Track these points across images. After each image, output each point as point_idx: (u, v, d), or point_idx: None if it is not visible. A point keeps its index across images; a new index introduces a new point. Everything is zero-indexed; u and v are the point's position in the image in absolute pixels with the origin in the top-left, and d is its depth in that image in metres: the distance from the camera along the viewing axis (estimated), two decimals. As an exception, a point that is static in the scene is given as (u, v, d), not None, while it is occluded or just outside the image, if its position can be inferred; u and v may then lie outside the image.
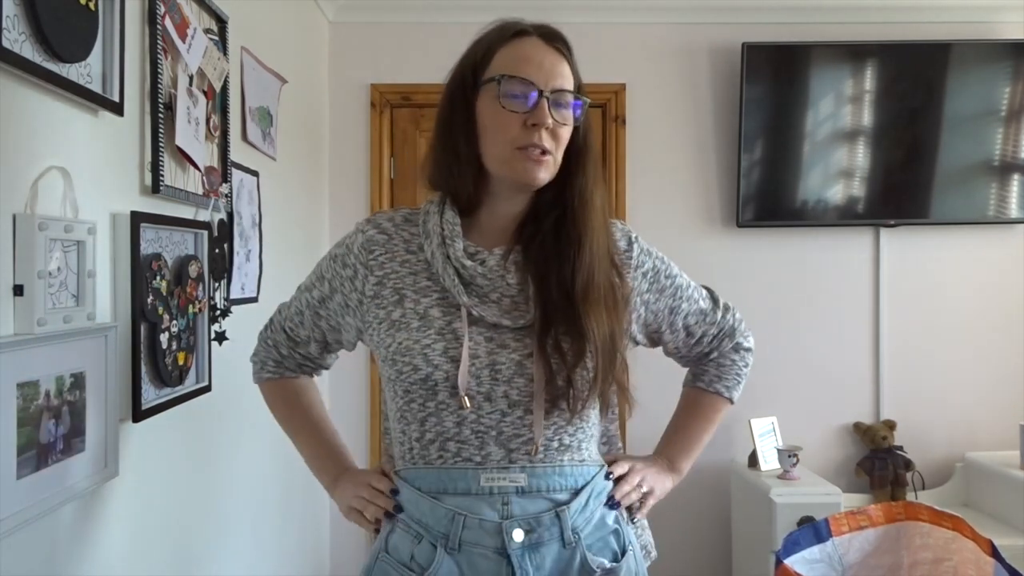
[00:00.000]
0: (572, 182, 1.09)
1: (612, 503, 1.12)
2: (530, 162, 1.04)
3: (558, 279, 1.05)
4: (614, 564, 1.07)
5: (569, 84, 1.07)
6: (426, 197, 1.15)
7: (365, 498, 1.13)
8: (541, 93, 1.03)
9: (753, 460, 2.83)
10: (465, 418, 1.03)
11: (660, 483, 1.21)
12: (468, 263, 1.06)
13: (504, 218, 1.11)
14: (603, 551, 1.08)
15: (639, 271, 1.15)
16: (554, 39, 1.08)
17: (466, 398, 1.02)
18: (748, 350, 1.28)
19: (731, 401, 1.27)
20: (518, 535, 1.01)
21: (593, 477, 1.10)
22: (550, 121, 1.03)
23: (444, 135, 1.10)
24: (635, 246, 1.16)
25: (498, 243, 1.10)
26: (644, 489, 1.16)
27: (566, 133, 1.07)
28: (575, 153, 1.10)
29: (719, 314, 1.24)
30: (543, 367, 1.02)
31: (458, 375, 1.01)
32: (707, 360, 1.26)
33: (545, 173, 1.06)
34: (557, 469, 1.06)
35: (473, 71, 1.08)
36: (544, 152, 1.04)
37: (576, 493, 1.06)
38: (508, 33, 1.07)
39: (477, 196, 1.10)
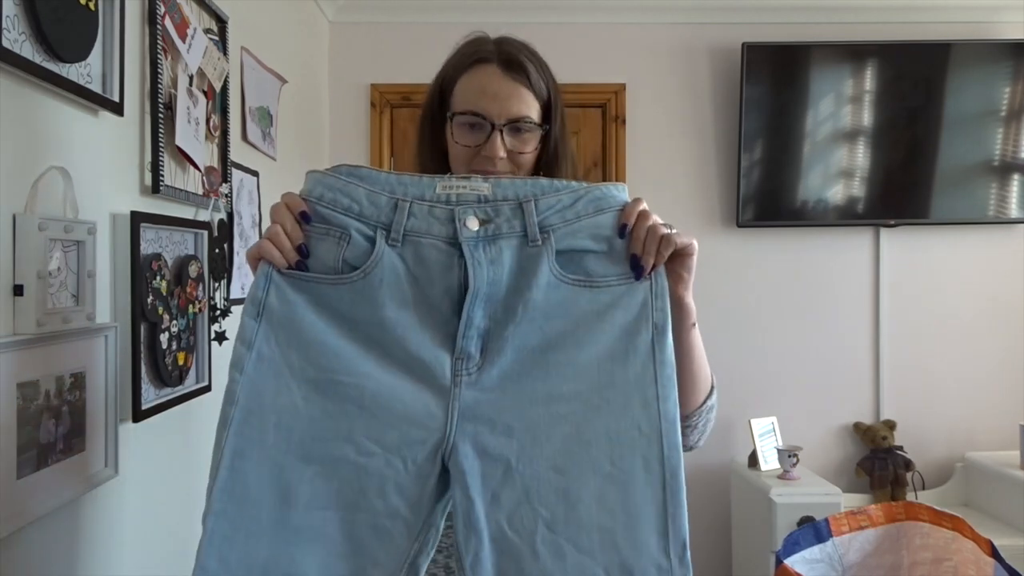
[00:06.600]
0: None
1: (622, 231, 0.89)
2: None
3: None
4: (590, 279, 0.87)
5: (529, 109, 1.04)
6: None
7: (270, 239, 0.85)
8: (494, 127, 1.03)
9: (753, 460, 2.83)
10: None
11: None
12: None
13: None
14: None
15: None
16: (513, 67, 1.04)
17: None
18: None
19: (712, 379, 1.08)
20: (472, 223, 0.85)
21: (590, 191, 0.88)
22: (502, 153, 1.03)
23: (418, 151, 1.14)
24: None
25: None
26: (667, 230, 0.91)
27: (528, 155, 1.06)
28: (545, 165, 1.10)
29: None
30: None
31: None
32: None
33: None
34: (534, 181, 0.89)
35: (440, 96, 1.09)
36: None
37: (558, 193, 0.88)
38: (468, 61, 1.06)
39: None
